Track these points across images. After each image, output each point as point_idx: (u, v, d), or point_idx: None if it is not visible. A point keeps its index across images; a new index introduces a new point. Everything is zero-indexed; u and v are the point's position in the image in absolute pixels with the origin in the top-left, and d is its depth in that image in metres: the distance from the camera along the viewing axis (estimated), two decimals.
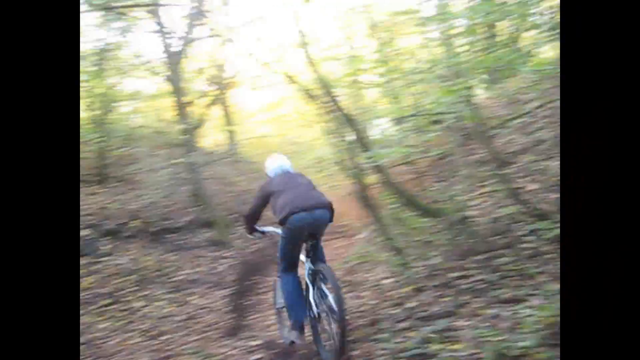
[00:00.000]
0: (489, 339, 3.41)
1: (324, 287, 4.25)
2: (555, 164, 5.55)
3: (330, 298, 4.07)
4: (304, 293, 4.52)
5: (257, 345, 5.32)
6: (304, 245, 4.57)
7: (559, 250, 4.14)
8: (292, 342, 4.41)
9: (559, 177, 4.13)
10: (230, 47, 14.77)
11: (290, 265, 4.52)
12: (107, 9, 7.86)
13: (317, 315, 4.36)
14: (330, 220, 4.47)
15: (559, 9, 4.42)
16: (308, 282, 4.51)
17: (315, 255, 4.55)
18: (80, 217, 8.77)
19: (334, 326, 4.01)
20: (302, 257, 4.66)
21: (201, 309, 7.91)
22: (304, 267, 4.60)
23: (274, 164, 4.98)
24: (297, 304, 4.42)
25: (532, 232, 4.73)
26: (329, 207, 4.41)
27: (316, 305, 4.36)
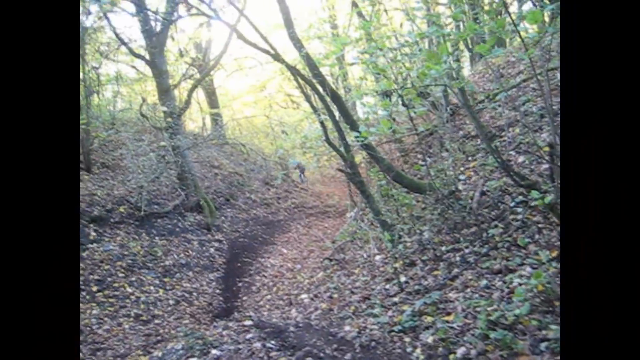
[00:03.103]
0: (481, 308, 3.42)
1: None
2: (542, 136, 5.54)
3: None
4: None
5: (249, 325, 5.31)
6: None
7: (548, 220, 4.16)
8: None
9: (546, 148, 4.12)
10: (213, 28, 14.53)
11: None
12: None
13: None
14: None
15: None
16: None
17: None
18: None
19: None
20: None
21: (192, 292, 7.89)
22: None
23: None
24: None
25: (520, 203, 4.74)
26: None
27: None
